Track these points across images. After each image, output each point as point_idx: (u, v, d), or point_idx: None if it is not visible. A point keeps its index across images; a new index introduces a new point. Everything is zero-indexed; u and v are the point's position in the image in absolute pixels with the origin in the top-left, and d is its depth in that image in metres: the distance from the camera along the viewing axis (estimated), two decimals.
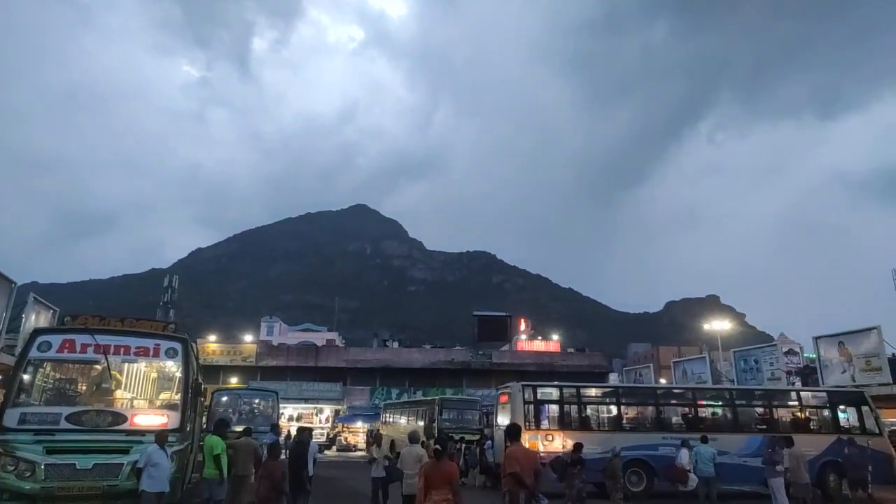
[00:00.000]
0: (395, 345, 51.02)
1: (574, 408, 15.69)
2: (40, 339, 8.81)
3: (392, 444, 22.96)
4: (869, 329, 21.96)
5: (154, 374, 10.14)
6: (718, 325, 36.46)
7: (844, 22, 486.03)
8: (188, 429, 9.10)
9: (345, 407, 39.90)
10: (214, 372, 38.91)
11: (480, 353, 44.62)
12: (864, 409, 16.51)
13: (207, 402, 17.08)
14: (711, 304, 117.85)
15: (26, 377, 8.47)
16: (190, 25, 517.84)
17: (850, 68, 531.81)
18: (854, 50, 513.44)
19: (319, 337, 57.10)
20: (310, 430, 10.69)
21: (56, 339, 8.88)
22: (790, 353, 27.89)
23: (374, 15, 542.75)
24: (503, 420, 15.54)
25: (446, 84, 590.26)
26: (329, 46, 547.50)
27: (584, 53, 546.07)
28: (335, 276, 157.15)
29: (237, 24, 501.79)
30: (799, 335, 34.61)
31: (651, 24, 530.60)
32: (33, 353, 8.61)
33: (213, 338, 46.37)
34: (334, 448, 34.49)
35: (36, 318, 16.38)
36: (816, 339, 23.97)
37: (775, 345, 29.42)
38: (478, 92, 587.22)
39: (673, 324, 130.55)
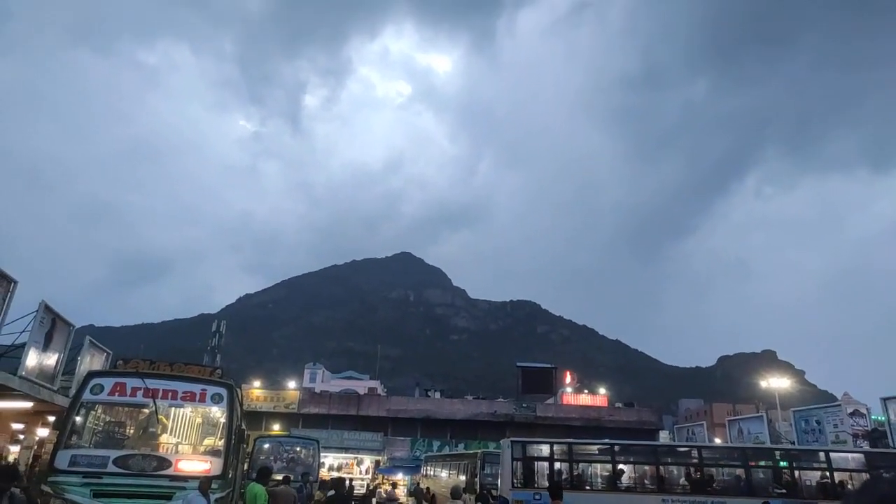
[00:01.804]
0: (437, 395, 50.35)
1: (566, 466, 14.84)
2: (94, 381, 9.02)
3: (433, 498, 22.33)
4: None
5: (199, 420, 10.20)
6: (776, 383, 34.67)
7: (891, 75, 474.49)
8: (230, 475, 9.07)
9: (385, 458, 39.28)
10: (257, 418, 39.06)
11: (524, 405, 43.53)
12: None
13: (250, 449, 17.06)
14: (768, 360, 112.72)
15: (78, 419, 8.65)
16: (246, 85, 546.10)
17: None
18: None
19: (361, 385, 56.88)
20: (344, 479, 10.50)
21: (108, 382, 9.08)
22: (856, 413, 26.18)
23: (421, 71, 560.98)
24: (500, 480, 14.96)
25: (489, 136, 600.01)
26: (377, 101, 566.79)
27: (626, 107, 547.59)
28: (378, 323, 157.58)
29: (291, 83, 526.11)
30: (862, 394, 32.59)
31: (692, 80, 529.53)
32: (86, 395, 8.81)
33: (257, 384, 46.77)
34: (374, 501, 33.81)
35: (91, 361, 16.86)
36: (885, 399, 22.48)
37: (839, 405, 27.70)
38: (520, 144, 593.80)
39: (727, 379, 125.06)
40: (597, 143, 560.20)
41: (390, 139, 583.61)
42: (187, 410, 10.08)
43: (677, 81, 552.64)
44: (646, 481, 14.91)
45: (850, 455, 16.07)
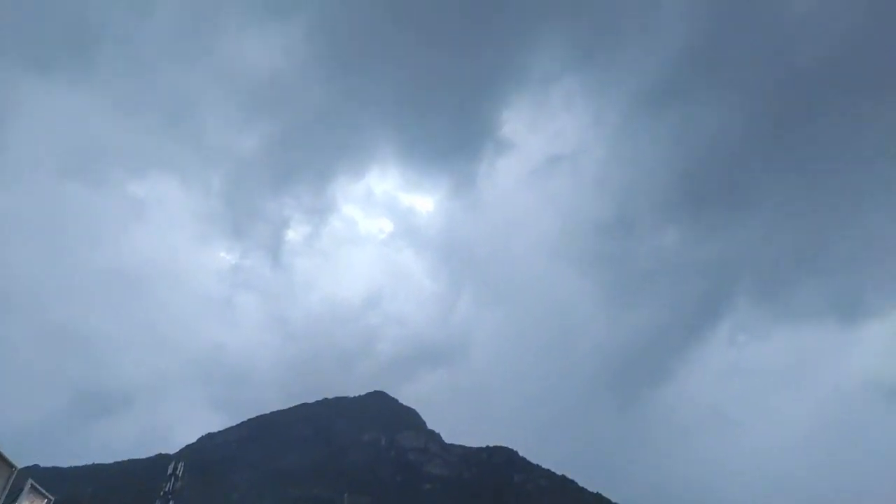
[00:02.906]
0: None
1: None
2: None
3: None
4: None
5: None
6: None
7: (855, 230, 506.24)
8: None
9: None
10: None
11: None
12: None
13: None
14: None
15: None
16: (231, 219, 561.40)
17: (868, 275, 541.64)
18: (869, 257, 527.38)
19: None
20: None
21: None
22: None
23: (404, 210, 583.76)
24: None
25: (469, 274, 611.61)
26: (360, 237, 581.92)
27: (602, 252, 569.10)
28: (348, 467, 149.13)
29: (275, 219, 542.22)
30: None
31: (664, 228, 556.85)
32: None
33: None
34: None
35: None
36: None
37: None
38: (499, 283, 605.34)
39: None
40: (574, 285, 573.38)
41: (371, 275, 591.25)
42: None
43: (650, 229, 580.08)
44: None
45: None
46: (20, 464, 14.29)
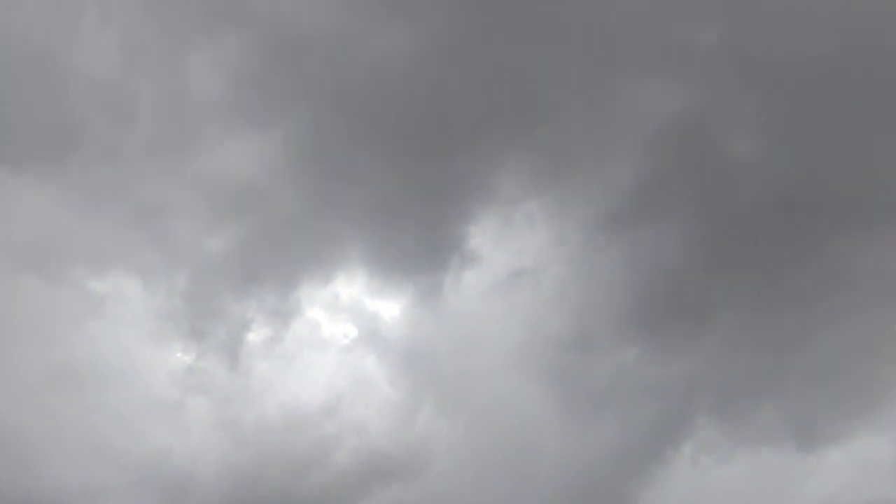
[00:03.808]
0: None
1: None
2: None
3: None
4: None
5: None
6: None
7: (810, 355, 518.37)
8: None
9: None
10: None
11: None
12: None
13: None
14: None
15: None
16: (190, 319, 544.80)
17: (822, 402, 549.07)
18: (823, 384, 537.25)
19: None
20: None
21: None
22: None
23: (369, 315, 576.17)
24: None
25: (430, 384, 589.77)
26: (322, 341, 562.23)
27: (560, 366, 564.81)
28: None
29: (236, 321, 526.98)
30: None
31: (621, 346, 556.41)
32: None
33: None
34: None
35: None
36: None
37: None
38: (460, 394, 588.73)
39: None
40: (535, 401, 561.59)
41: (331, 381, 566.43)
42: None
43: (607, 347, 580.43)
44: None
45: None
46: None
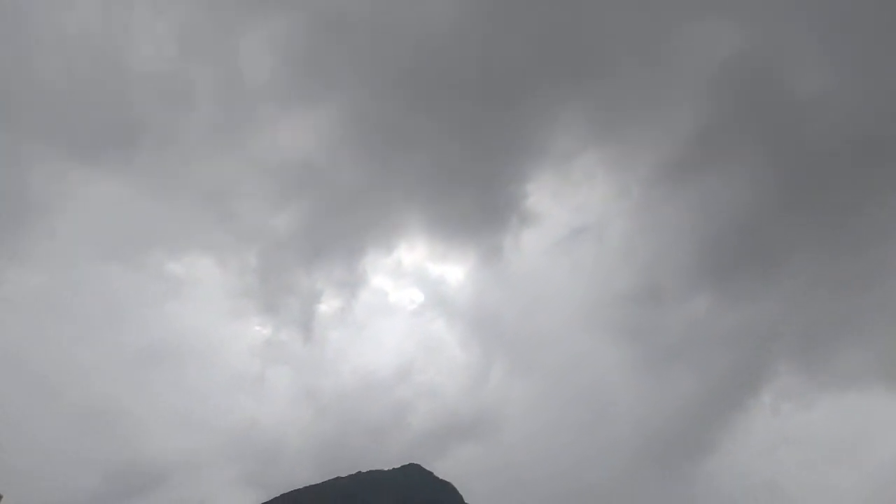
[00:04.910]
0: None
1: None
2: None
3: None
4: None
5: None
6: None
7: (889, 294, 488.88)
8: None
9: None
10: None
11: None
12: None
13: None
14: None
15: None
16: (264, 295, 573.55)
17: None
18: None
19: None
20: None
21: None
22: None
23: (434, 280, 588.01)
24: None
25: (500, 344, 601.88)
26: (390, 307, 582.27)
27: (630, 322, 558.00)
28: None
29: (307, 294, 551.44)
30: None
31: (692, 297, 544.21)
32: None
33: None
34: None
35: None
36: None
37: None
38: (530, 354, 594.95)
39: None
40: (605, 354, 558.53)
41: (402, 346, 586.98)
42: None
43: (678, 298, 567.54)
44: None
45: None
46: None
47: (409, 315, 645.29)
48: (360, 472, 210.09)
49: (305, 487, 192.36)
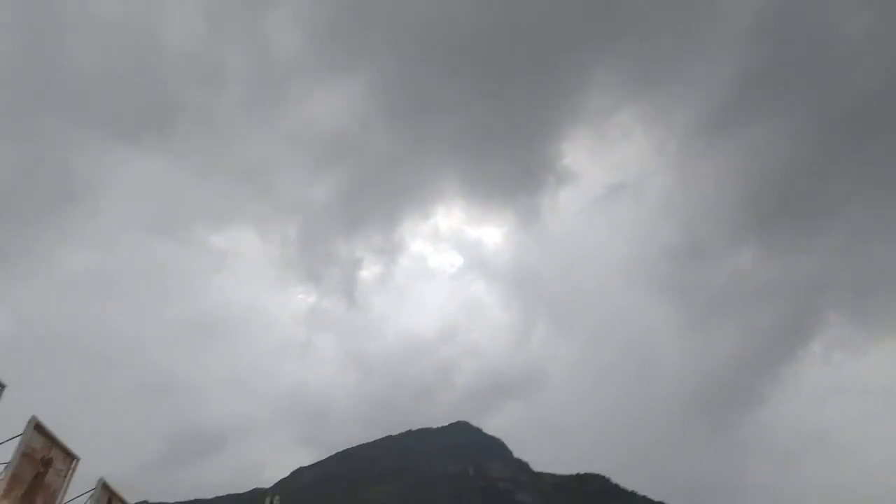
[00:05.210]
0: None
1: None
2: None
3: None
4: None
5: None
6: None
7: None
8: None
9: None
10: None
11: None
12: None
13: None
14: None
15: None
16: (306, 265, 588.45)
17: None
18: None
19: None
20: None
21: None
22: None
23: (472, 243, 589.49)
24: None
25: (540, 304, 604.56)
26: (430, 272, 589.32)
27: (672, 277, 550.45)
28: (435, 499, 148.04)
29: (347, 261, 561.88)
30: None
31: (736, 250, 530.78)
32: None
33: None
34: None
35: None
36: None
37: None
38: (571, 312, 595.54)
39: None
40: (648, 311, 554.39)
41: (444, 309, 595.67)
42: None
43: (721, 252, 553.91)
44: None
45: None
46: (132, 501, 14.64)
47: (448, 278, 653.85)
48: (409, 430, 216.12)
49: (359, 445, 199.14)
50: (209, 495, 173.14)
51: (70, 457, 10.74)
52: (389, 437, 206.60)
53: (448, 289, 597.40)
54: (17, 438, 8.76)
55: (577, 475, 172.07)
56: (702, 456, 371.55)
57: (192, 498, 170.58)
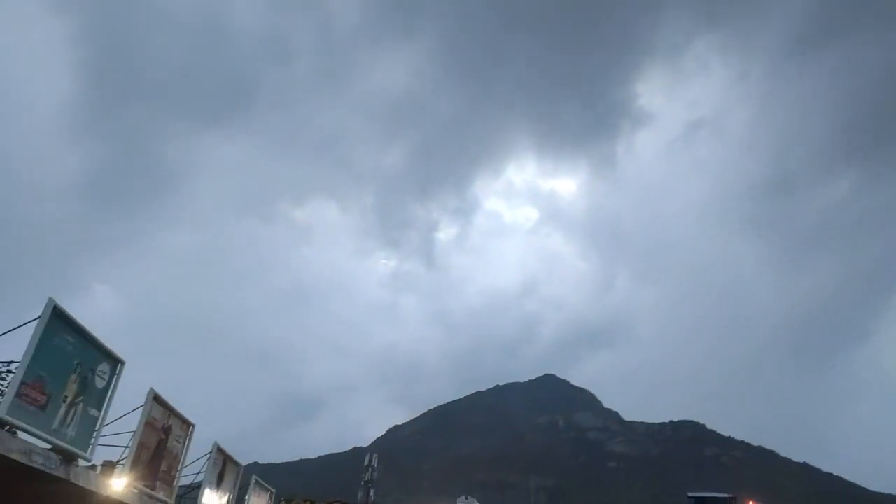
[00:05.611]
0: None
1: None
2: None
3: None
4: None
5: None
6: None
7: None
8: None
9: None
10: None
11: None
12: None
13: None
14: None
15: None
16: (384, 231, 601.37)
17: None
18: None
19: None
20: None
21: None
22: None
23: (546, 195, 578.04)
24: None
25: (621, 252, 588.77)
26: (507, 227, 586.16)
27: (761, 214, 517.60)
28: (528, 451, 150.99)
29: (423, 225, 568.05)
30: None
31: (830, 181, 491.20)
32: None
33: None
34: None
35: (256, 500, 17.43)
36: None
37: None
38: (653, 257, 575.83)
39: None
40: (737, 251, 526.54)
41: (523, 263, 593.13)
42: None
43: (813, 184, 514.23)
44: None
45: None
46: (243, 462, 16.00)
47: (526, 233, 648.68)
48: (497, 385, 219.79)
49: (450, 402, 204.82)
50: (313, 455, 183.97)
51: (187, 424, 11.82)
52: (478, 393, 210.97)
53: (526, 243, 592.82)
54: (139, 410, 9.77)
55: (670, 423, 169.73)
56: (796, 396, 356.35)
57: (297, 458, 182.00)
